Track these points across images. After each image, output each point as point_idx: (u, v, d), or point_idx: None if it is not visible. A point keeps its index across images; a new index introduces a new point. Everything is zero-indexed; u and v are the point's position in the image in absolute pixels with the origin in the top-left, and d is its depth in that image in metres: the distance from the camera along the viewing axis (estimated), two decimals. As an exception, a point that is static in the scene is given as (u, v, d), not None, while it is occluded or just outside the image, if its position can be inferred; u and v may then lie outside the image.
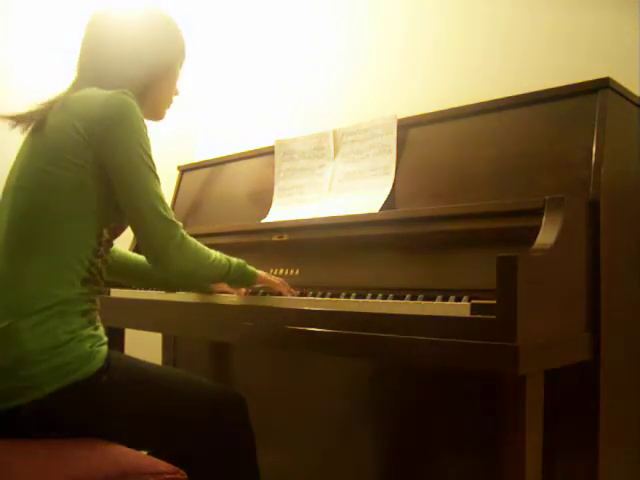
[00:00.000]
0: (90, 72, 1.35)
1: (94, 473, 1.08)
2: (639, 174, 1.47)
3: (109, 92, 1.26)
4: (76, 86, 1.35)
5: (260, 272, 1.51)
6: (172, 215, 1.29)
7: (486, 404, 1.46)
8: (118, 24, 1.36)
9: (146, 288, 1.85)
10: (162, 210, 1.27)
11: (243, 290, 1.58)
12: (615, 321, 1.32)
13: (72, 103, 1.28)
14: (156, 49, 1.38)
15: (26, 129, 1.32)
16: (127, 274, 1.66)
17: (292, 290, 1.55)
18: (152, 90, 1.41)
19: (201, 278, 1.49)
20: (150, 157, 1.28)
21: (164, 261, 1.30)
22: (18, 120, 1.32)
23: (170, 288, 1.72)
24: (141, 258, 1.61)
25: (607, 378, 1.29)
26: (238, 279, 1.48)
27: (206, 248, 1.38)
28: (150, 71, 1.38)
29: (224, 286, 1.61)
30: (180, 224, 1.31)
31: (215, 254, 1.40)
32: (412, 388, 1.65)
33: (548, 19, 1.94)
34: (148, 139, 1.28)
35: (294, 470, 1.91)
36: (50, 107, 1.30)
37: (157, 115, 1.47)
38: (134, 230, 1.31)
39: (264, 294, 1.58)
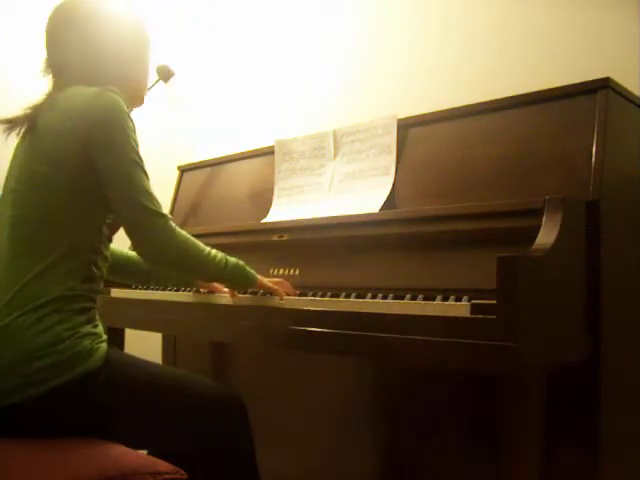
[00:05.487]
0: (72, 71, 1.36)
1: (94, 473, 1.08)
2: (639, 174, 1.47)
3: (95, 90, 1.28)
4: (60, 86, 1.35)
5: (260, 277, 1.48)
6: (161, 208, 1.30)
7: (486, 404, 1.46)
8: (92, 22, 1.38)
9: (145, 285, 1.86)
10: (149, 204, 1.28)
11: (236, 292, 1.55)
12: (615, 321, 1.31)
13: (60, 103, 1.30)
14: (131, 43, 1.43)
15: (19, 133, 1.34)
16: (126, 272, 1.68)
17: (292, 292, 1.52)
18: (131, 80, 1.44)
19: (192, 272, 1.48)
20: (137, 154, 1.29)
21: (153, 251, 1.32)
22: (10, 123, 1.34)
23: (165, 282, 1.76)
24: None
25: (607, 378, 1.29)
26: (235, 280, 1.46)
27: (202, 244, 1.38)
28: (128, 63, 1.43)
29: (219, 287, 1.61)
30: (169, 216, 1.33)
31: (212, 251, 1.40)
32: (412, 388, 1.65)
33: (548, 19, 1.94)
34: (135, 135, 1.30)
35: (294, 470, 1.91)
36: (39, 109, 1.32)
37: (139, 101, 1.50)
38: (122, 224, 1.32)
39: (264, 294, 1.58)
